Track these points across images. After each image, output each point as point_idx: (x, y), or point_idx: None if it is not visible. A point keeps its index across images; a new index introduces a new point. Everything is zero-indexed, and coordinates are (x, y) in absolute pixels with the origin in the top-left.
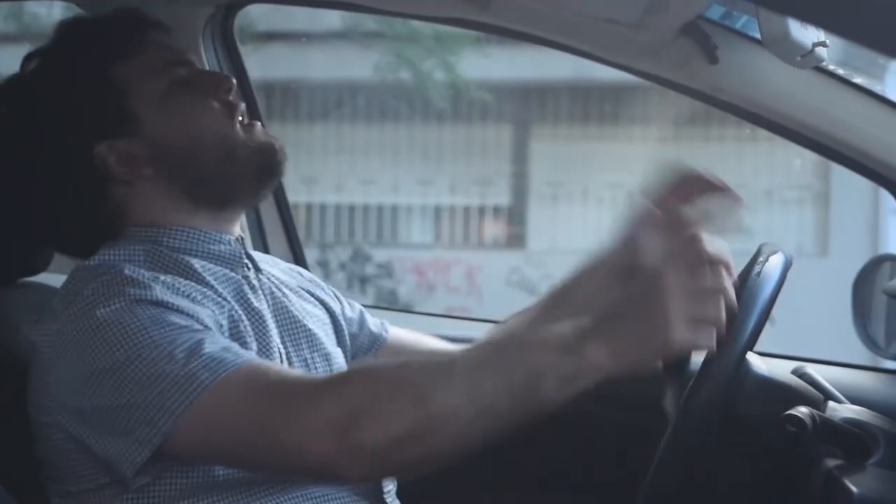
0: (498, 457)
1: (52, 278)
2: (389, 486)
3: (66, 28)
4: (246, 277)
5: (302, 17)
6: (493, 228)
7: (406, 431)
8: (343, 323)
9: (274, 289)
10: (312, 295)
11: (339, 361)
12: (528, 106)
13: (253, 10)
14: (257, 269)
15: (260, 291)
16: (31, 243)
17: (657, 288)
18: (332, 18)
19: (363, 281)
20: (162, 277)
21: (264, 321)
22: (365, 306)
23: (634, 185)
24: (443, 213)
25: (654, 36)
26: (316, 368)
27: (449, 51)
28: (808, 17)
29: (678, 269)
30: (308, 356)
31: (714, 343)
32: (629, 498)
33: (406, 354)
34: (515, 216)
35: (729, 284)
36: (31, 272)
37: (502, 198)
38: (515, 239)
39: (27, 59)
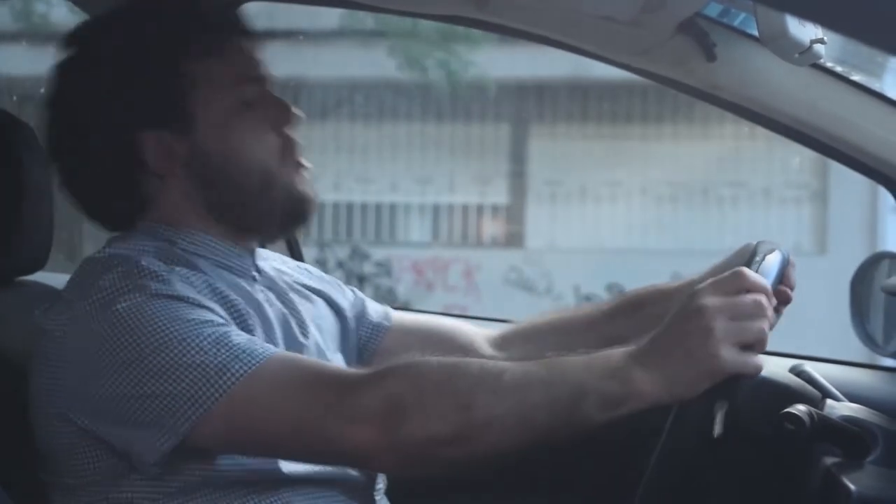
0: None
1: (49, 277)
2: (380, 485)
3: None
4: (251, 288)
5: (300, 15)
6: (492, 227)
7: (446, 433)
8: (350, 319)
9: (280, 298)
10: (320, 294)
11: None
12: (527, 105)
13: (250, 8)
14: (263, 279)
15: (265, 303)
16: (29, 241)
17: (701, 313)
18: (331, 16)
19: (361, 279)
20: (177, 269)
21: (272, 324)
22: None
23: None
24: (441, 211)
25: (652, 33)
26: None
27: (448, 49)
28: (806, 14)
29: (720, 294)
30: None
31: (761, 366)
32: (625, 498)
33: (413, 340)
34: (514, 215)
35: (770, 310)
36: (28, 271)
37: (501, 196)
38: (514, 237)
39: (114, 11)
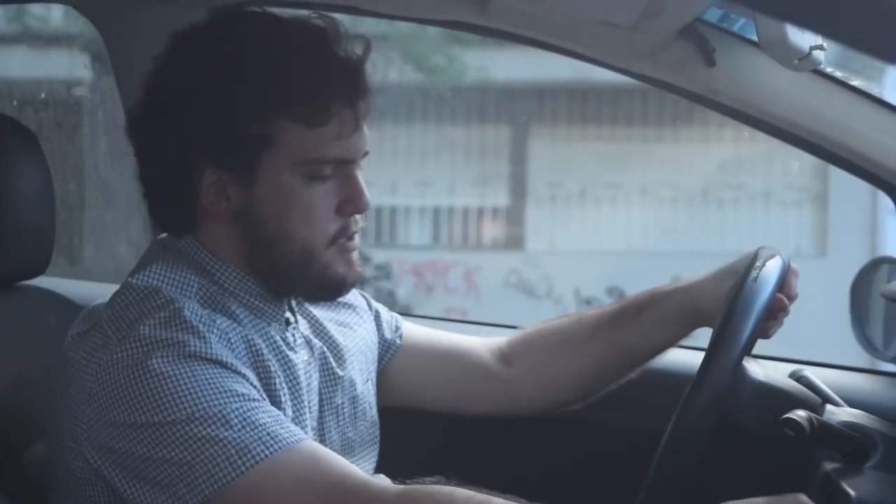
0: (491, 460)
1: (50, 281)
2: None
3: (298, 29)
4: (283, 335)
5: None
6: (492, 229)
7: None
8: (374, 339)
9: (312, 336)
10: (353, 318)
11: (364, 402)
12: (527, 107)
13: None
14: (295, 318)
15: (296, 346)
16: (30, 245)
17: None
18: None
19: (362, 282)
20: (218, 321)
21: (297, 378)
22: None
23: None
24: (441, 214)
25: (652, 38)
26: (343, 413)
27: (448, 51)
28: (805, 23)
29: None
30: (339, 402)
31: None
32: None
33: (424, 360)
34: (514, 217)
35: None
36: (29, 275)
37: (501, 199)
38: (514, 240)
39: (243, 16)
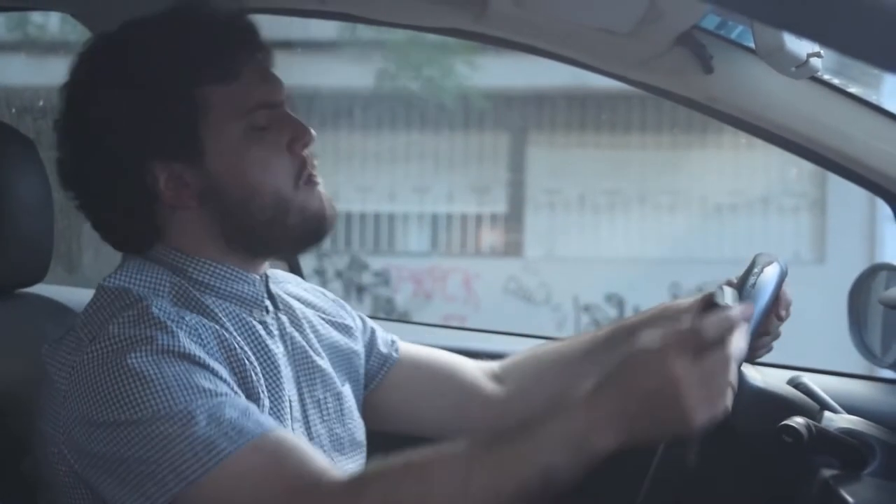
0: None
1: (48, 289)
2: None
3: (175, 17)
4: (263, 322)
5: (297, 26)
6: (490, 236)
7: None
8: (361, 347)
9: (291, 328)
10: (334, 319)
11: (349, 402)
12: (525, 113)
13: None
14: (276, 308)
15: (276, 335)
16: (28, 253)
17: (668, 381)
18: (329, 27)
19: (360, 289)
20: (187, 318)
21: (277, 368)
22: None
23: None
24: (440, 220)
25: (650, 46)
26: (328, 408)
27: (446, 58)
28: (802, 32)
29: (683, 356)
30: (321, 396)
31: (729, 408)
32: None
33: (419, 375)
34: (512, 224)
35: (733, 367)
36: (27, 283)
37: (499, 205)
38: (512, 246)
39: (125, 27)
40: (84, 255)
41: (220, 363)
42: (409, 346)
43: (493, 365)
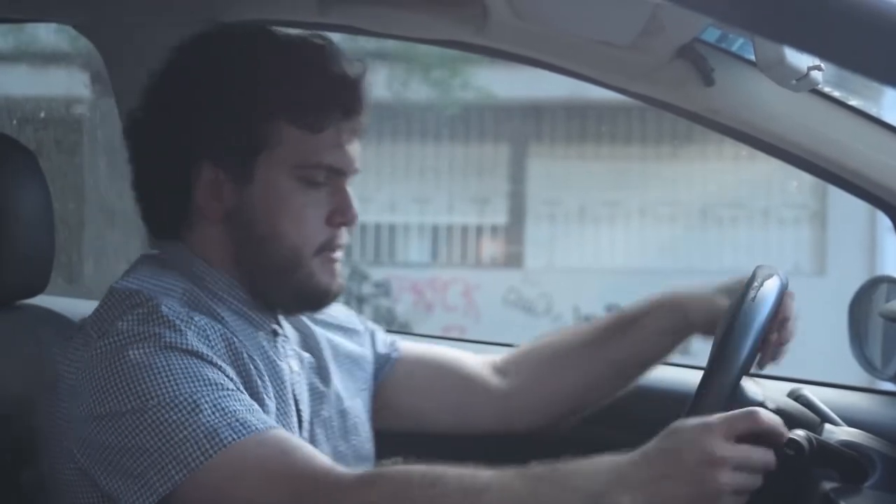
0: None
1: (49, 300)
2: None
3: (296, 43)
4: (271, 344)
5: None
6: (491, 247)
7: None
8: (367, 354)
9: (304, 343)
10: (343, 326)
11: (355, 417)
12: (526, 125)
13: None
14: (283, 329)
15: (283, 355)
16: (29, 264)
17: (708, 460)
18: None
19: (360, 300)
20: (196, 318)
21: (284, 384)
22: None
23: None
24: (440, 231)
25: (650, 58)
26: (332, 426)
27: (446, 70)
28: (802, 46)
29: (731, 439)
30: (326, 415)
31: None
32: None
33: (420, 371)
34: (513, 235)
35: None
36: (28, 294)
37: (500, 216)
38: (513, 258)
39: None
40: (84, 267)
41: (227, 364)
42: (411, 344)
43: (496, 358)
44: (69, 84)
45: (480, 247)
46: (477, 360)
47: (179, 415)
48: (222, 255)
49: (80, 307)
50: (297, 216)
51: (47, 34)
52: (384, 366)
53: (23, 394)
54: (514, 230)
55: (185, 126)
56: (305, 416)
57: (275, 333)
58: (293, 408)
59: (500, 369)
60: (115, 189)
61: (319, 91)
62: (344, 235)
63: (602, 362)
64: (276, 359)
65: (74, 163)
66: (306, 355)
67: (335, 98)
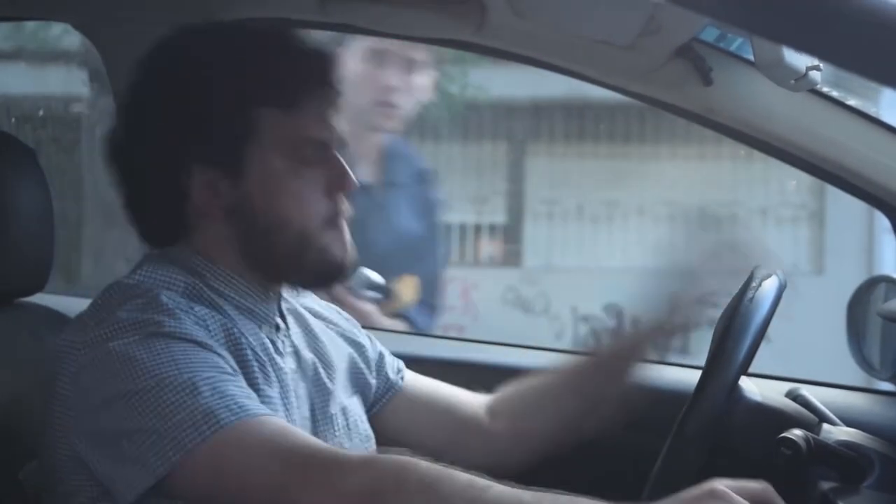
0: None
1: (48, 298)
2: None
3: (251, 32)
4: (272, 339)
5: None
6: (489, 246)
7: None
8: (370, 367)
9: (303, 345)
10: (347, 336)
11: (354, 415)
12: (524, 124)
13: None
14: (287, 327)
15: (285, 353)
16: (28, 262)
17: None
18: (328, 37)
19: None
20: (196, 308)
21: (286, 382)
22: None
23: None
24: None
25: (649, 58)
26: (337, 423)
27: (445, 69)
28: (800, 46)
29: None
30: (333, 412)
31: None
32: None
33: (420, 406)
34: (511, 234)
35: None
36: (27, 292)
37: (498, 216)
38: (511, 257)
39: (200, 26)
40: (83, 265)
41: (227, 352)
42: (414, 376)
43: (490, 398)
44: (68, 82)
45: (478, 246)
46: (474, 402)
47: (177, 396)
48: (226, 253)
49: (78, 305)
50: (297, 197)
51: (46, 32)
52: (387, 392)
53: (21, 390)
54: (512, 229)
55: (165, 135)
56: (307, 415)
57: (277, 328)
58: (294, 405)
59: (493, 410)
60: (114, 187)
61: (290, 68)
62: (346, 204)
63: (581, 400)
64: (276, 353)
65: (73, 161)
66: (309, 355)
67: (307, 72)
